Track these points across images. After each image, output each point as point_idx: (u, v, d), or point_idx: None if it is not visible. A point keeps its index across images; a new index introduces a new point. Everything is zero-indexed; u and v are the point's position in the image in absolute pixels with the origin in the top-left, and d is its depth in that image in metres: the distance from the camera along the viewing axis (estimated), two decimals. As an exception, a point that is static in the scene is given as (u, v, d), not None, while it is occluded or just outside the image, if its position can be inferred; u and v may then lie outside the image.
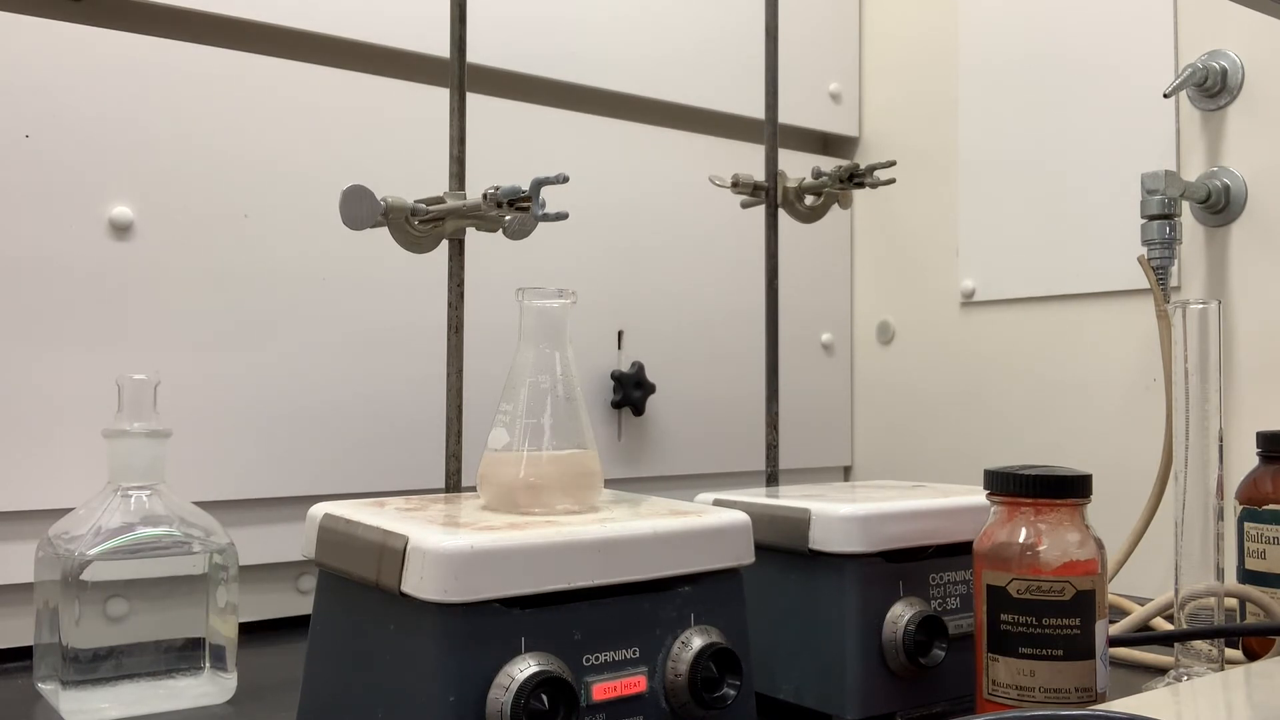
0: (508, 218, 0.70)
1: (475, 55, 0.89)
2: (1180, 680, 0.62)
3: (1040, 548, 0.56)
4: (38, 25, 0.80)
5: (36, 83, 0.79)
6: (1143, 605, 0.82)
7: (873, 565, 0.63)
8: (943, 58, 1.22)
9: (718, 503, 0.68)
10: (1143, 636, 0.68)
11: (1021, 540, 0.56)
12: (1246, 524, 0.74)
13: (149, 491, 0.68)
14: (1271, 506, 0.73)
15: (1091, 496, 0.57)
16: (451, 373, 0.73)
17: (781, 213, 0.88)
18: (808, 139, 1.28)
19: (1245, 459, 0.82)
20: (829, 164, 0.88)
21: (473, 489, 0.64)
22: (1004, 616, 0.56)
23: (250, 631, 0.86)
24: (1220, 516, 0.62)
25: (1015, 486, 0.57)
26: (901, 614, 0.62)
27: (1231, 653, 0.72)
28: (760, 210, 0.87)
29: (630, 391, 1.07)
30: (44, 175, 0.79)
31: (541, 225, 0.69)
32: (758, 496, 0.69)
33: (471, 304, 0.81)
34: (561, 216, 0.68)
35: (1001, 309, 1.16)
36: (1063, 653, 0.54)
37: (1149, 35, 1.03)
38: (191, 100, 0.85)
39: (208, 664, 0.68)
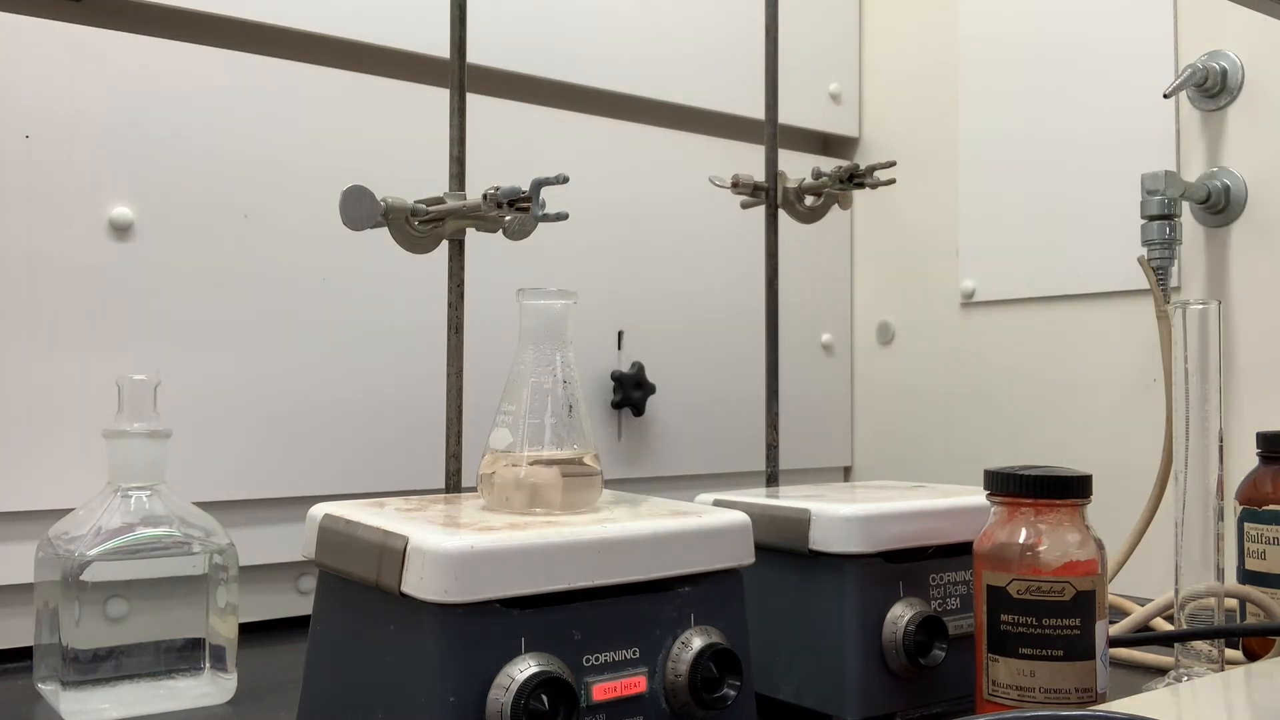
0: (508, 218, 0.70)
1: (475, 56, 0.89)
2: (1180, 681, 0.62)
3: (1040, 548, 0.56)
4: (38, 25, 0.80)
5: (36, 83, 0.79)
6: (1143, 605, 0.82)
7: (873, 565, 0.63)
8: (943, 58, 1.22)
9: (718, 503, 0.68)
10: (1143, 637, 0.68)
11: (1021, 541, 0.56)
12: (1246, 524, 0.74)
13: (149, 492, 0.68)
14: (1271, 507, 0.73)
15: (1091, 497, 0.57)
16: (451, 373, 0.73)
17: (781, 213, 0.88)
18: (808, 139, 1.28)
19: (1245, 459, 0.82)
20: (829, 164, 0.88)
21: (473, 489, 0.64)
22: (1004, 617, 0.56)
23: (250, 631, 0.86)
24: (1220, 517, 0.62)
25: (1015, 487, 0.57)
26: (901, 614, 0.62)
27: (1231, 653, 0.72)
28: (760, 210, 0.87)
29: (630, 392, 1.07)
30: (44, 175, 0.79)
31: (541, 225, 0.69)
32: (758, 497, 0.69)
33: (472, 304, 0.81)
34: (561, 217, 0.68)
35: (1001, 309, 1.16)
36: (1063, 653, 0.54)
37: (1149, 35, 1.03)
38: (191, 100, 0.85)
39: (208, 664, 0.68)
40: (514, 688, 0.48)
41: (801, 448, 1.22)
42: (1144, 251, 0.96)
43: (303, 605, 0.91)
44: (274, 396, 0.89)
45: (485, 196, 0.69)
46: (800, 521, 0.64)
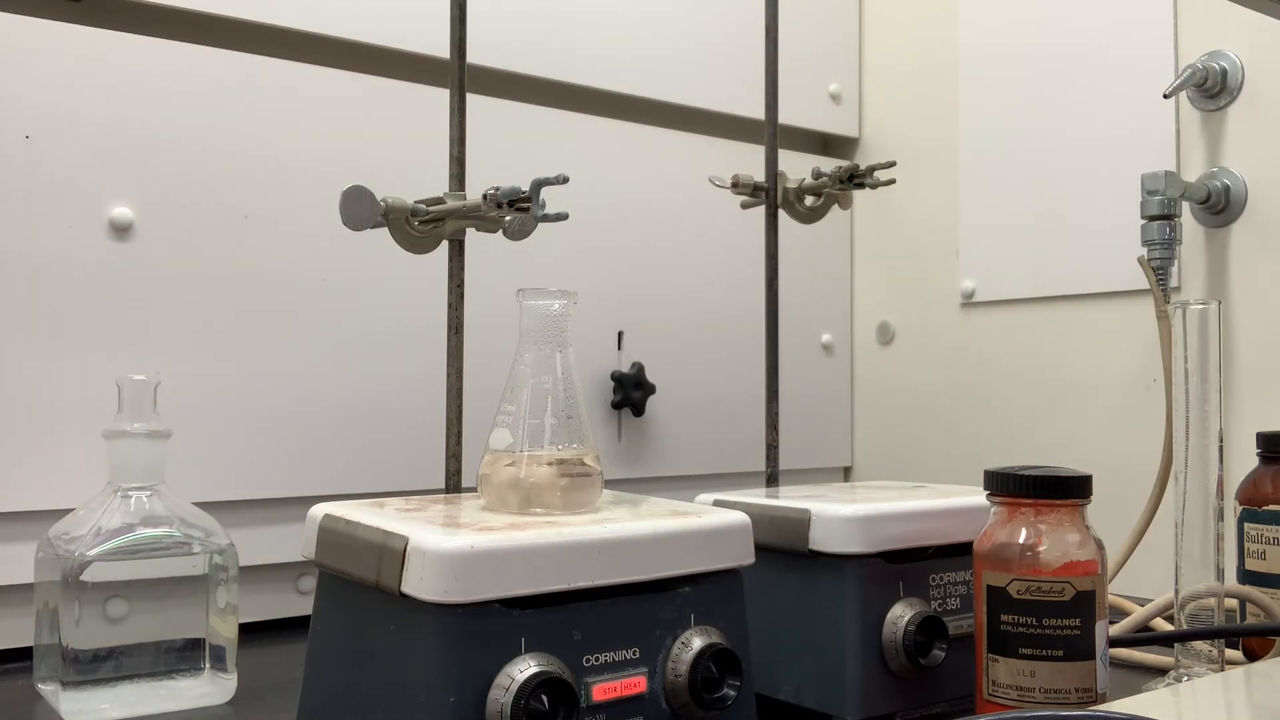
0: (508, 218, 0.70)
1: (475, 56, 0.89)
2: (1180, 681, 0.62)
3: (1040, 548, 0.56)
4: (38, 25, 0.79)
5: (36, 83, 0.79)
6: (1143, 605, 0.82)
7: (873, 566, 0.63)
8: (943, 58, 1.22)
9: (718, 503, 0.68)
10: (1143, 637, 0.68)
11: (1022, 541, 0.56)
12: (1246, 524, 0.74)
13: (149, 492, 0.67)
14: (1271, 507, 0.73)
15: (1091, 497, 0.57)
16: (451, 373, 0.73)
17: (781, 213, 0.88)
18: (808, 139, 1.28)
19: (1245, 459, 0.82)
20: (829, 164, 0.88)
21: (473, 489, 0.64)
22: (1004, 617, 0.56)
23: (250, 631, 0.86)
24: (1220, 517, 0.62)
25: (1015, 487, 0.57)
26: (901, 614, 0.62)
27: (1231, 653, 0.72)
28: (760, 211, 0.87)
29: (630, 392, 1.07)
30: (44, 175, 0.79)
31: (541, 225, 0.69)
32: (758, 497, 0.69)
33: (472, 304, 0.81)
34: (561, 217, 0.68)
35: (1001, 309, 1.16)
36: (1063, 653, 0.54)
37: (1149, 35, 1.03)
38: (191, 100, 0.85)
39: (208, 664, 0.68)
40: (514, 688, 0.48)
41: (801, 448, 1.22)
42: (1144, 251, 0.96)
43: (303, 605, 0.91)
44: (274, 396, 0.88)
45: (485, 196, 0.69)
46: (800, 521, 0.64)
